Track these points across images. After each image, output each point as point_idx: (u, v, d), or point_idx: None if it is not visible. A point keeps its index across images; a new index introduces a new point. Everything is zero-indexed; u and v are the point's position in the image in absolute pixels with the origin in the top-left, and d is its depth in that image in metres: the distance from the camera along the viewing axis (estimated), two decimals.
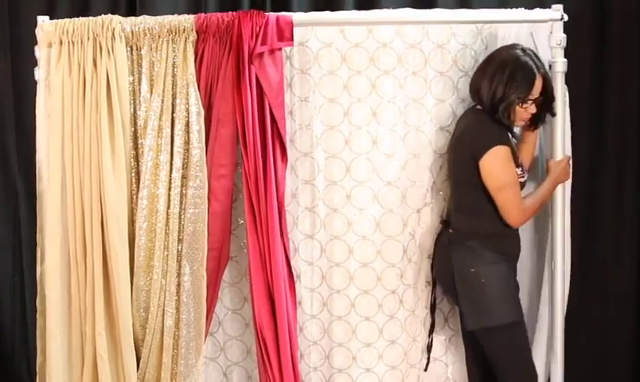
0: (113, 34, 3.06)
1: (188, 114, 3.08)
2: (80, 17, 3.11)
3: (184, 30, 3.09)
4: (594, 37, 3.94)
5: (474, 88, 3.12)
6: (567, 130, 3.28)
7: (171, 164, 3.09)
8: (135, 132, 3.13)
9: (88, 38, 3.07)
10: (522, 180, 3.13)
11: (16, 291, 4.16)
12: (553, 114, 3.18)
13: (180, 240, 3.12)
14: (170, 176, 3.09)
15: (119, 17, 3.11)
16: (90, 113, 3.07)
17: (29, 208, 3.91)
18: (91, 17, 3.10)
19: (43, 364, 3.18)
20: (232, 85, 3.08)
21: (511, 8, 3.33)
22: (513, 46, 3.09)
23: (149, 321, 3.11)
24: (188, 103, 3.08)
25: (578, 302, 3.58)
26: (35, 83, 3.18)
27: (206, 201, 3.10)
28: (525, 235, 3.32)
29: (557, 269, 3.27)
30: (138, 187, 3.12)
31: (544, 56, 3.18)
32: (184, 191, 3.11)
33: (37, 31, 3.14)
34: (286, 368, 3.12)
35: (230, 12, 3.12)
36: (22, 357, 4.16)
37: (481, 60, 3.16)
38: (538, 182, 3.27)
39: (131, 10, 3.91)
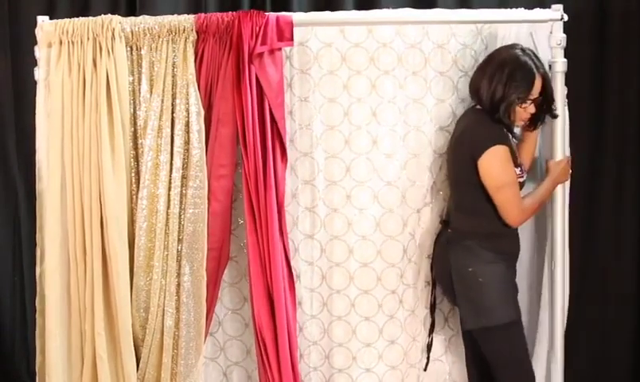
0: (113, 34, 3.06)
1: (188, 114, 3.08)
2: (80, 17, 3.11)
3: (184, 30, 3.09)
4: (594, 37, 3.94)
5: (474, 88, 3.12)
6: (565, 131, 3.28)
7: (171, 164, 3.09)
8: (135, 132, 3.13)
9: (88, 38, 3.07)
10: (521, 180, 3.13)
11: (16, 291, 4.16)
12: (554, 116, 3.17)
13: (180, 240, 3.12)
14: (170, 176, 3.09)
15: (119, 17, 3.11)
16: (90, 113, 3.07)
17: (29, 208, 3.91)
18: (91, 17, 3.10)
19: (42, 364, 3.18)
20: (232, 85, 3.08)
21: (511, 8, 3.33)
22: (513, 46, 3.09)
23: (149, 321, 3.11)
24: (188, 103, 3.08)
25: (578, 303, 3.58)
26: (35, 83, 3.18)
27: (206, 201, 3.10)
28: (525, 235, 3.32)
29: (557, 269, 3.27)
30: (138, 187, 3.12)
31: (544, 56, 3.18)
32: (184, 191, 3.11)
33: (37, 31, 3.14)
34: (285, 369, 3.12)
35: (230, 12, 3.12)
36: (22, 357, 4.16)
37: (481, 60, 3.16)
38: (537, 183, 3.27)
39: (131, 10, 3.91)
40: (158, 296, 3.10)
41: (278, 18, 3.09)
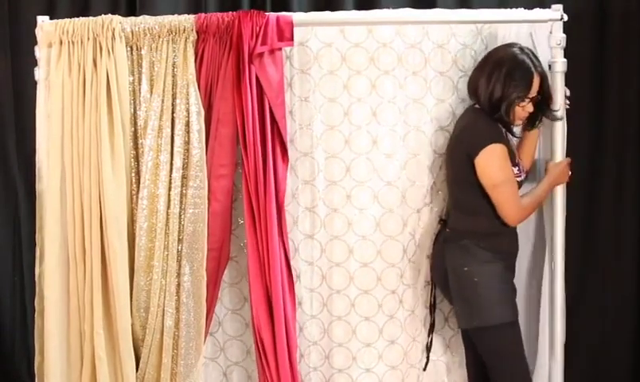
0: (113, 34, 3.06)
1: (188, 114, 3.09)
2: (80, 17, 3.11)
3: (184, 30, 3.09)
4: (594, 37, 3.94)
5: (472, 87, 3.12)
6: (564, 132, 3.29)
7: (171, 164, 3.09)
8: (135, 132, 3.13)
9: (88, 38, 3.07)
10: (519, 179, 3.13)
11: (16, 291, 4.16)
12: (554, 119, 3.17)
13: (180, 240, 3.12)
14: (170, 176, 3.09)
15: (119, 17, 3.11)
16: (90, 113, 3.07)
17: (28, 208, 3.91)
18: (91, 17, 3.10)
19: (41, 364, 3.18)
20: (232, 85, 3.08)
21: (511, 8, 3.33)
22: (511, 45, 3.09)
23: (149, 321, 3.11)
24: (188, 103, 3.08)
25: (578, 302, 3.58)
26: (35, 83, 3.18)
27: (206, 201, 3.10)
28: (524, 235, 3.32)
29: (557, 269, 3.27)
30: (138, 187, 3.12)
31: (544, 56, 3.18)
32: (184, 191, 3.11)
33: (37, 31, 3.14)
34: (283, 369, 3.12)
35: (230, 12, 3.12)
36: (22, 357, 4.16)
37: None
38: (536, 183, 3.26)
39: (131, 10, 3.91)
40: (158, 296, 3.10)
41: (278, 18, 3.09)
